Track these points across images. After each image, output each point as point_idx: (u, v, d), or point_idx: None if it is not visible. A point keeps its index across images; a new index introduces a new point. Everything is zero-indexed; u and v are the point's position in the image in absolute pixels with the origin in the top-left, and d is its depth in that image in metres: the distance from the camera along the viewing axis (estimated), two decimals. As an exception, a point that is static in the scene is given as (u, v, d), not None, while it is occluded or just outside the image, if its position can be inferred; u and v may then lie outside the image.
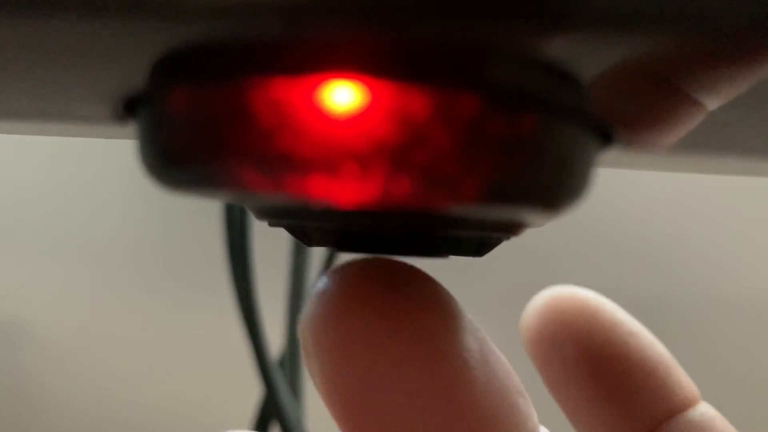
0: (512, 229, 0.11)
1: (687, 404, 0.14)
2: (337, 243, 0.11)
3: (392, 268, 0.11)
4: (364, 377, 0.10)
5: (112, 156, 0.41)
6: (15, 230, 0.41)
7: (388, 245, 0.11)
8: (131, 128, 0.10)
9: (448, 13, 0.07)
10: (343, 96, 0.08)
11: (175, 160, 0.08)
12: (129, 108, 0.09)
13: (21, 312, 0.41)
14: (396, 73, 0.08)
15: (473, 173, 0.08)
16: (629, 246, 0.39)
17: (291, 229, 0.12)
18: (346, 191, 0.08)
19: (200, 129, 0.08)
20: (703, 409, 0.14)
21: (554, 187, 0.08)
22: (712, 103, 0.08)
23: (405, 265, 0.11)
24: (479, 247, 0.11)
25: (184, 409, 0.40)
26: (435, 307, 0.11)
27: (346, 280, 0.10)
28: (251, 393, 0.29)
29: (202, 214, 0.39)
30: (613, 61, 0.07)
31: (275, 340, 0.28)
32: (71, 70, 0.09)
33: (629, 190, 0.39)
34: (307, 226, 0.11)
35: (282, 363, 0.28)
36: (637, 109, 0.09)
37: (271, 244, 0.27)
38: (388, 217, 0.09)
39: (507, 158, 0.08)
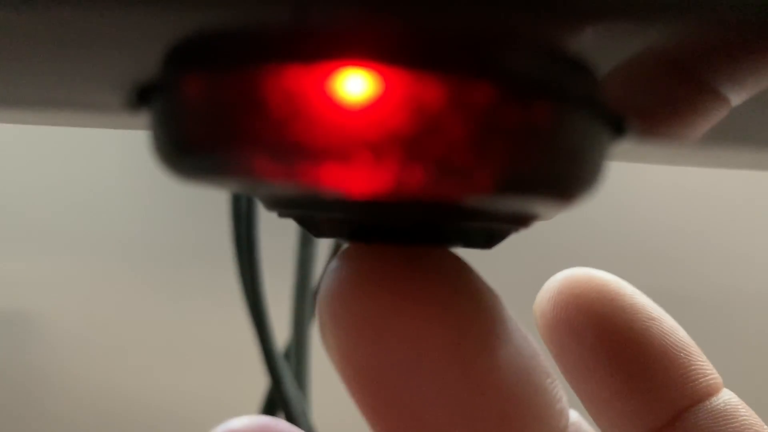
0: (523, 220, 0.10)
1: (710, 392, 0.13)
2: (346, 234, 0.11)
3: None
4: (380, 354, 0.10)
5: (119, 147, 0.41)
6: (20, 221, 0.41)
7: (398, 236, 0.11)
8: (143, 117, 0.10)
9: (463, 1, 0.07)
10: (356, 84, 0.08)
11: (188, 149, 0.08)
12: (142, 97, 0.09)
13: (27, 303, 0.41)
14: (410, 62, 0.07)
15: (487, 163, 0.08)
16: (641, 238, 0.39)
17: (300, 220, 0.12)
18: (358, 180, 0.08)
19: (213, 117, 0.08)
20: (727, 397, 0.13)
21: (567, 177, 0.08)
22: (737, 96, 0.08)
23: None
24: (489, 239, 0.11)
25: (190, 401, 0.40)
26: (455, 284, 0.11)
27: (364, 256, 0.10)
28: (257, 384, 0.29)
29: (209, 206, 0.39)
30: (631, 51, 0.07)
31: (281, 332, 0.28)
32: (85, 59, 0.09)
33: (641, 182, 0.39)
34: (317, 216, 0.11)
35: (288, 355, 0.28)
36: (657, 102, 0.09)
37: (277, 235, 0.27)
38: (400, 207, 0.09)
39: (521, 148, 0.08)
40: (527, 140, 0.08)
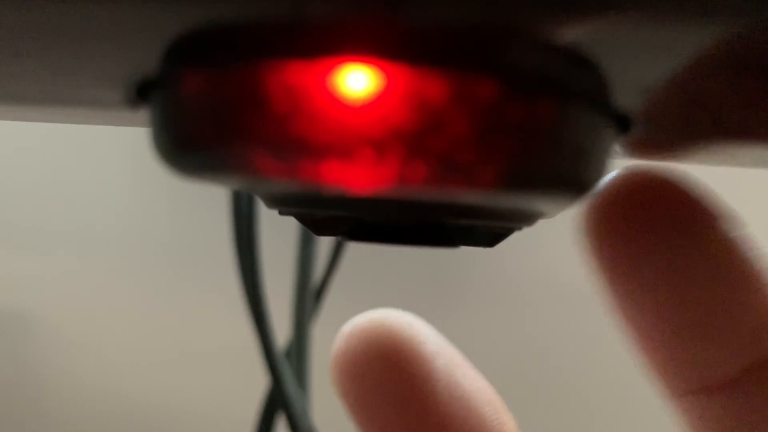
0: (526, 218, 0.10)
1: None
2: (347, 232, 0.11)
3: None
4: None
5: (119, 145, 0.41)
6: (19, 220, 0.41)
7: (399, 235, 0.11)
8: (143, 114, 0.10)
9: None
10: (358, 80, 0.08)
11: (189, 145, 0.08)
12: (142, 93, 0.09)
13: (25, 302, 0.41)
14: (412, 57, 0.07)
15: (490, 160, 0.07)
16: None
17: (301, 218, 0.12)
18: (360, 177, 0.08)
19: (214, 113, 0.08)
20: None
21: (571, 174, 0.08)
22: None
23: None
24: (491, 237, 0.11)
25: (191, 400, 0.40)
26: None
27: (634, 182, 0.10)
28: (257, 384, 0.29)
29: (209, 205, 0.38)
30: (636, 47, 0.07)
31: (282, 331, 0.28)
32: (84, 54, 0.08)
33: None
34: (318, 214, 0.11)
35: (288, 354, 0.28)
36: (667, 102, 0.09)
37: (278, 234, 0.27)
38: (402, 204, 0.09)
39: (524, 145, 0.08)
40: (531, 136, 0.08)
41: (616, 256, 0.10)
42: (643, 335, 0.11)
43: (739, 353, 0.10)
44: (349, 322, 0.11)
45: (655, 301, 0.10)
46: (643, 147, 0.11)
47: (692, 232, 0.10)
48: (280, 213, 0.11)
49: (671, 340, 0.10)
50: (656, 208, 0.10)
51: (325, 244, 0.29)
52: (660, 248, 0.10)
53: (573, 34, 0.07)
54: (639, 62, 0.08)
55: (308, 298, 0.28)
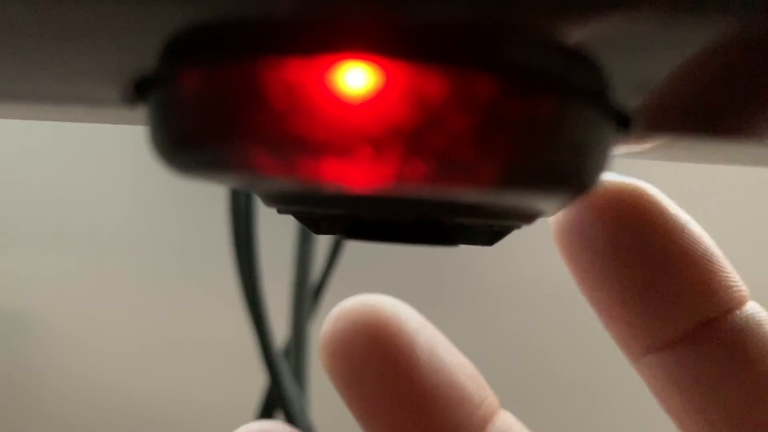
0: (525, 216, 0.10)
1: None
2: (346, 230, 0.11)
3: None
4: None
5: (118, 143, 0.40)
6: (19, 219, 0.41)
7: (398, 233, 0.11)
8: (140, 112, 0.10)
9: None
10: (356, 77, 0.07)
11: (187, 143, 0.08)
12: (139, 90, 0.09)
13: (25, 301, 0.41)
14: (411, 55, 0.07)
15: (489, 157, 0.07)
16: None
17: (299, 217, 0.12)
18: (359, 175, 0.08)
19: (212, 111, 0.08)
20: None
21: (571, 172, 0.08)
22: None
23: None
24: (491, 236, 0.11)
25: (189, 399, 0.40)
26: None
27: None
28: (256, 382, 0.28)
29: (207, 203, 0.38)
30: (637, 44, 0.07)
31: (280, 330, 0.28)
32: (82, 51, 0.08)
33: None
34: (317, 213, 0.11)
35: (287, 352, 0.28)
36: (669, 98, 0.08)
37: (276, 233, 0.27)
38: (401, 202, 0.09)
39: (523, 142, 0.08)
40: (530, 134, 0.08)
41: (576, 253, 0.12)
42: (600, 304, 0.12)
43: (681, 316, 0.12)
44: (336, 306, 0.12)
45: (607, 276, 0.12)
46: (642, 144, 0.11)
47: (633, 233, 0.12)
48: (279, 211, 0.11)
49: (623, 307, 0.12)
50: (604, 217, 0.12)
51: (323, 242, 0.29)
52: (610, 246, 0.12)
53: (573, 31, 0.07)
54: (639, 59, 0.08)
55: (307, 296, 0.27)
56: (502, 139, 0.07)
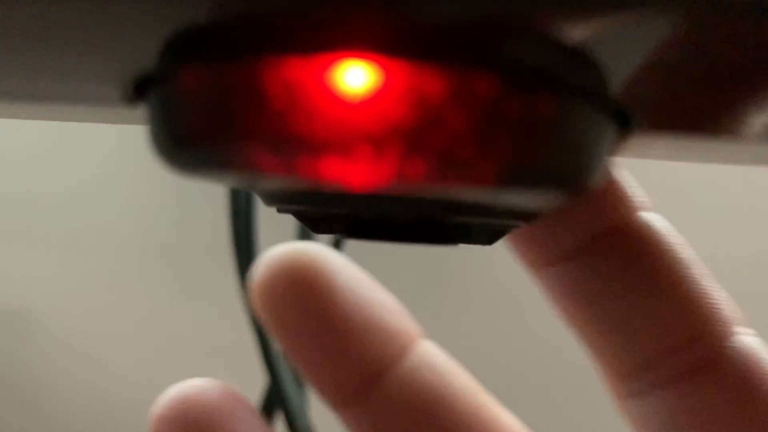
0: (525, 215, 0.10)
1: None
2: (346, 230, 0.11)
3: None
4: None
5: (117, 143, 0.40)
6: (18, 218, 0.41)
7: (398, 232, 0.11)
8: (140, 111, 0.10)
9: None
10: (356, 76, 0.07)
11: (187, 142, 0.08)
12: (139, 89, 0.09)
13: (25, 301, 0.41)
14: (411, 53, 0.07)
15: (489, 156, 0.07)
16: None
17: (299, 216, 0.12)
18: (359, 173, 0.08)
19: (211, 110, 0.08)
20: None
21: (570, 170, 0.08)
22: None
23: None
24: (490, 235, 0.11)
25: (188, 399, 0.40)
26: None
27: None
28: (255, 383, 0.28)
29: (207, 203, 0.38)
30: (639, 43, 0.07)
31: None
32: (82, 51, 0.08)
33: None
34: (316, 212, 0.11)
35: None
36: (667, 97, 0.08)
37: (276, 233, 0.27)
38: (401, 201, 0.09)
39: (523, 141, 0.08)
40: (530, 133, 0.08)
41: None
42: (586, 344, 0.13)
43: (575, 231, 0.12)
44: (263, 254, 0.13)
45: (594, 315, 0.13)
46: (642, 143, 0.11)
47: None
48: (279, 210, 0.11)
49: (609, 348, 0.13)
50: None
51: (323, 241, 0.29)
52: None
53: (573, 30, 0.07)
54: (639, 58, 0.08)
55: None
56: (501, 137, 0.07)
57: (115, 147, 0.41)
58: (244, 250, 0.26)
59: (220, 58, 0.08)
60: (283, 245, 0.13)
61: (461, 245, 0.11)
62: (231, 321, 0.32)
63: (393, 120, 0.07)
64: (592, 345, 0.13)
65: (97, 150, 0.41)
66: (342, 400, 0.13)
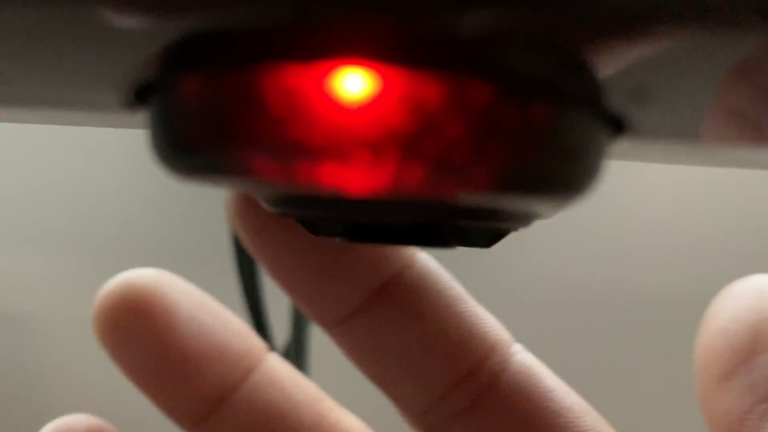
0: (522, 219, 0.10)
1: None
2: (345, 233, 0.11)
3: None
4: None
5: (117, 146, 0.41)
6: (16, 220, 0.41)
7: (396, 235, 0.11)
8: (140, 117, 0.10)
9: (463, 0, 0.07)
10: (354, 83, 0.08)
11: (186, 148, 0.08)
12: (140, 95, 0.09)
13: (22, 303, 0.41)
14: (408, 61, 0.07)
15: (485, 162, 0.08)
16: (632, 239, 0.39)
17: (299, 219, 0.12)
18: (357, 179, 0.08)
19: (211, 116, 0.08)
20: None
21: (566, 176, 0.08)
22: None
23: None
24: (488, 239, 0.11)
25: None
26: None
27: None
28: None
29: (207, 206, 0.39)
30: (632, 53, 0.07)
31: (280, 331, 0.28)
32: (84, 58, 0.09)
33: (637, 180, 0.39)
34: (316, 215, 0.11)
35: (287, 354, 0.28)
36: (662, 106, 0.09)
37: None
38: (399, 206, 0.09)
39: (519, 147, 0.08)
40: (526, 139, 0.08)
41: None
42: (286, 286, 0.13)
43: (354, 290, 0.13)
44: (103, 286, 0.13)
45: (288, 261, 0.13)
46: (636, 148, 0.11)
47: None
48: (278, 214, 0.11)
49: (305, 287, 0.13)
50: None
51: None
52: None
53: (567, 38, 0.07)
54: (633, 65, 0.08)
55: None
56: (497, 144, 0.08)
57: (115, 150, 0.41)
58: (244, 251, 0.26)
59: (220, 64, 0.08)
60: (122, 274, 0.13)
61: (459, 248, 0.12)
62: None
63: (390, 126, 0.07)
64: (389, 394, 0.13)
65: (97, 152, 0.41)
66: (188, 423, 0.14)
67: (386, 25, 0.07)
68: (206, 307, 0.14)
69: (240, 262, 0.26)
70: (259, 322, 0.26)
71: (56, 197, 0.41)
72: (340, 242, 0.12)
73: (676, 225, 0.39)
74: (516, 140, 0.08)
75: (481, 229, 0.11)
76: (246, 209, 0.13)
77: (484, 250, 0.12)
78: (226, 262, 0.27)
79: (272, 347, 0.26)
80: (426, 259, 0.13)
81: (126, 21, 0.07)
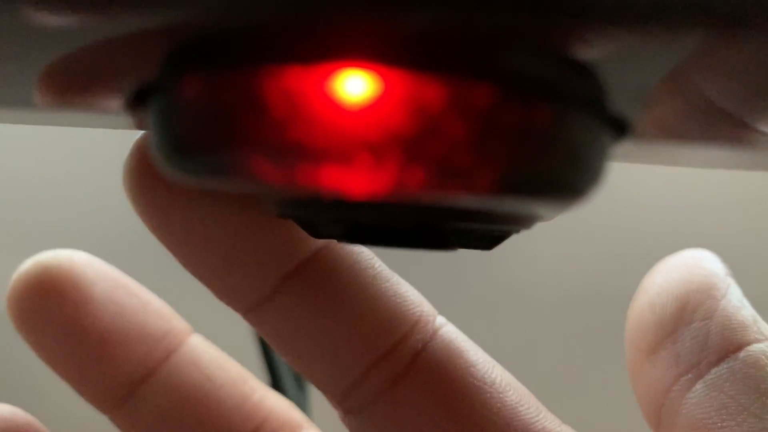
0: (523, 221, 0.10)
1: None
2: (346, 235, 0.11)
3: None
4: None
5: (118, 147, 0.40)
6: (17, 220, 0.41)
7: (397, 238, 0.11)
8: (143, 118, 0.10)
9: (463, 2, 0.07)
10: (355, 85, 0.08)
11: (187, 150, 0.08)
12: (141, 97, 0.09)
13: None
14: (410, 63, 0.07)
15: (487, 164, 0.08)
16: (629, 243, 0.39)
17: (299, 220, 0.12)
18: (358, 182, 0.08)
19: (212, 118, 0.08)
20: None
21: (568, 179, 0.08)
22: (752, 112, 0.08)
23: None
24: (489, 241, 0.11)
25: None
26: None
27: None
28: (256, 384, 0.29)
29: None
30: (635, 53, 0.07)
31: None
32: (85, 59, 0.09)
33: (639, 182, 0.39)
34: (316, 217, 0.11)
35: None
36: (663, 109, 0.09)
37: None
38: (400, 208, 0.09)
39: (521, 149, 0.08)
40: (527, 141, 0.08)
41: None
42: (198, 274, 0.13)
43: (266, 275, 0.13)
44: (17, 270, 0.13)
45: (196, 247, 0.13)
46: (638, 149, 0.11)
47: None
48: (279, 215, 0.11)
49: (216, 273, 0.13)
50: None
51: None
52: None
53: (569, 40, 0.07)
54: (636, 67, 0.08)
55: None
56: (499, 146, 0.08)
57: (116, 150, 0.41)
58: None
59: (222, 66, 0.08)
60: (36, 256, 0.13)
61: (460, 250, 0.11)
62: (231, 321, 0.33)
63: (392, 128, 0.07)
64: (307, 374, 0.13)
65: (99, 152, 0.41)
66: (108, 406, 0.14)
67: (388, 28, 0.07)
68: (124, 287, 0.14)
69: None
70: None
71: (56, 196, 0.41)
72: (249, 225, 0.12)
73: (677, 225, 0.39)
74: (518, 142, 0.08)
75: (482, 232, 0.11)
76: (143, 186, 0.12)
77: (486, 252, 0.12)
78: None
79: (271, 348, 0.26)
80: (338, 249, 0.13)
81: (127, 21, 0.07)
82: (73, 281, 0.13)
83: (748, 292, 0.13)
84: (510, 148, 0.08)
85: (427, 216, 0.10)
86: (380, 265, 0.13)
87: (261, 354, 0.27)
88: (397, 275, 0.13)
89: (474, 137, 0.07)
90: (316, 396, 0.28)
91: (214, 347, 0.14)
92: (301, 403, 0.27)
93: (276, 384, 0.26)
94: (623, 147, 0.10)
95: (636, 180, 0.39)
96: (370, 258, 0.13)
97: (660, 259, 0.13)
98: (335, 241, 0.13)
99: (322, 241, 0.13)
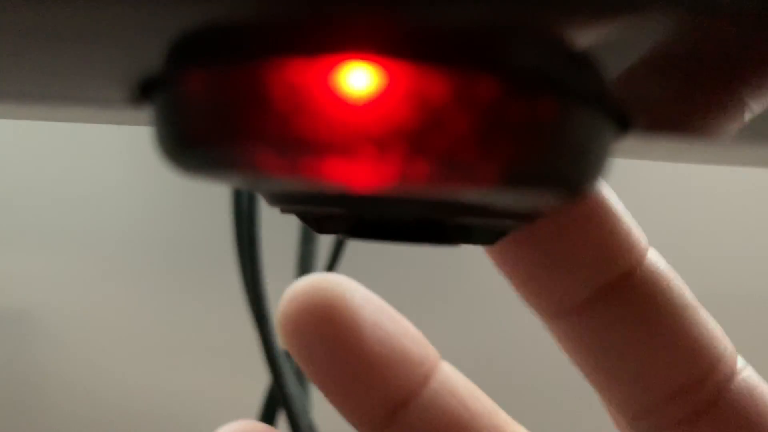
0: (526, 216, 0.10)
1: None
2: (349, 230, 0.11)
3: None
4: None
5: (120, 143, 0.41)
6: (20, 218, 0.41)
7: (401, 233, 0.11)
8: (145, 113, 0.10)
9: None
10: (359, 78, 0.08)
11: (191, 144, 0.08)
12: (145, 91, 0.09)
13: (27, 301, 0.41)
14: (414, 56, 0.07)
15: (491, 158, 0.08)
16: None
17: (302, 216, 0.12)
18: (362, 175, 0.08)
19: (216, 112, 0.08)
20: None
21: (571, 172, 0.08)
22: (757, 103, 0.08)
23: None
24: (492, 236, 0.11)
25: (191, 398, 0.40)
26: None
27: None
28: (258, 382, 0.29)
29: (210, 203, 0.38)
30: (639, 46, 0.07)
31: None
32: (88, 53, 0.09)
33: (642, 180, 0.39)
34: (319, 212, 0.11)
35: (288, 352, 0.28)
36: (667, 99, 0.09)
37: (279, 233, 0.27)
38: (404, 202, 0.09)
39: (525, 143, 0.08)
40: (531, 135, 0.08)
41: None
42: (509, 272, 0.13)
43: (583, 282, 0.13)
44: (290, 287, 0.13)
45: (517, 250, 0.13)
46: (640, 144, 0.11)
47: None
48: (282, 211, 0.11)
49: (532, 274, 0.13)
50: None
51: (325, 242, 0.29)
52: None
53: (573, 33, 0.07)
54: (638, 59, 0.08)
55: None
56: (503, 140, 0.08)
57: (117, 147, 0.41)
58: (247, 250, 0.26)
59: (225, 60, 0.08)
60: (307, 278, 0.13)
61: (463, 245, 0.11)
62: (234, 320, 0.33)
63: (396, 122, 0.07)
64: (601, 390, 0.13)
65: (99, 150, 0.41)
66: (369, 428, 0.14)
67: (392, 20, 0.07)
68: (387, 313, 0.14)
69: (242, 259, 0.26)
70: (261, 320, 0.26)
71: (62, 195, 0.41)
72: (573, 227, 0.12)
73: (679, 226, 0.39)
74: (522, 136, 0.08)
75: (486, 227, 0.11)
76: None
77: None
78: (229, 259, 0.27)
79: (275, 345, 0.26)
80: (656, 259, 0.13)
81: (132, 15, 0.07)
82: (344, 305, 0.13)
83: (748, 288, 0.13)
84: (514, 141, 0.08)
85: (431, 210, 0.10)
86: (689, 291, 0.13)
87: (263, 352, 0.27)
88: (701, 305, 0.13)
89: (478, 130, 0.07)
90: (316, 396, 0.28)
91: (462, 375, 0.14)
92: (302, 402, 0.27)
93: (278, 382, 0.26)
94: (624, 142, 0.10)
95: (635, 179, 0.39)
96: (681, 283, 0.13)
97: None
98: (650, 259, 0.13)
99: (636, 258, 0.13)
